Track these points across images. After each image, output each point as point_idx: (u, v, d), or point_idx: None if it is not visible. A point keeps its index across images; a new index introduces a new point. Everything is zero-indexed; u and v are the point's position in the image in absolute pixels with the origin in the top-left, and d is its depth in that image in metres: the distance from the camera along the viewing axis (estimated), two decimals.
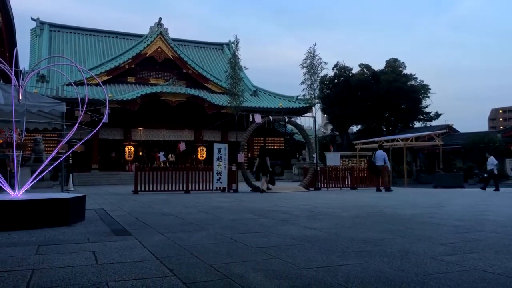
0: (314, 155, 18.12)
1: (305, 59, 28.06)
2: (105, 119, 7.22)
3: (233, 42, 30.92)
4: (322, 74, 30.44)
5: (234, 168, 16.34)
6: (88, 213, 6.95)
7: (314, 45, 26.90)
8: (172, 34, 34.48)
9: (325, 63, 27.62)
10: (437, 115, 37.29)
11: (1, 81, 15.07)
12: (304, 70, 27.47)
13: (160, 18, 32.42)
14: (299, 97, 33.02)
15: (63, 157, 8.00)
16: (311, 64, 27.75)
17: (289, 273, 3.21)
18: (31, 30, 34.67)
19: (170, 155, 31.57)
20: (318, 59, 27.57)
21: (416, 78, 36.59)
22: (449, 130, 35.76)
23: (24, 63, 32.05)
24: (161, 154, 19.86)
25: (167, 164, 24.03)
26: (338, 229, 5.69)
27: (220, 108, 29.40)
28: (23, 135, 7.82)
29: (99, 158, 29.35)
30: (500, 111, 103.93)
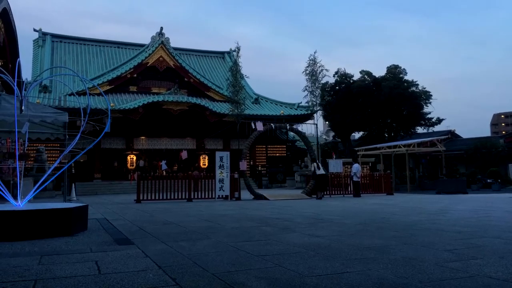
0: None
1: (307, 66, 28.23)
2: (107, 128, 7.24)
3: (234, 50, 31.11)
4: (323, 81, 30.56)
5: (236, 176, 16.33)
6: (90, 222, 6.94)
7: (315, 53, 26.96)
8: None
9: (326, 70, 27.77)
10: (439, 121, 37.25)
11: (4, 92, 15.15)
12: (306, 77, 27.64)
13: (161, 28, 32.60)
14: (300, 104, 33.08)
15: (66, 167, 8.03)
16: (313, 71, 27.90)
17: (292, 281, 3.20)
18: (33, 41, 34.93)
19: (174, 165, 31.45)
20: (319, 66, 27.71)
21: (417, 84, 36.61)
22: (451, 136, 35.70)
23: (26, 74, 32.30)
24: (163, 162, 19.83)
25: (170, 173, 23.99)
26: (341, 236, 5.67)
27: (222, 116, 29.45)
28: (26, 145, 7.85)
29: (101, 167, 29.38)
30: (502, 116, 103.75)
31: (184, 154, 18.98)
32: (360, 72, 37.97)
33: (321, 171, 16.25)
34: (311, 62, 27.73)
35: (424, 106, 36.32)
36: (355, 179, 17.43)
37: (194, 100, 28.99)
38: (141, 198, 14.61)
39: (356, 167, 17.90)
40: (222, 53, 41.76)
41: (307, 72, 28.04)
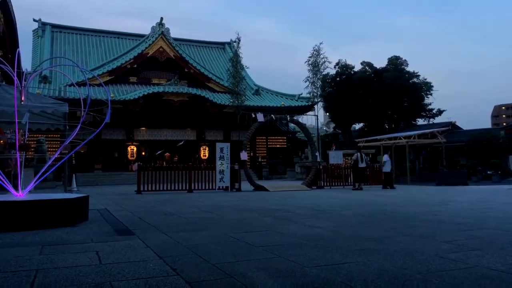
0: (317, 153, 18.10)
1: (310, 56, 28.13)
2: (107, 119, 7.22)
3: (235, 41, 30.94)
4: (324, 72, 30.46)
5: (236, 167, 16.35)
6: (91, 213, 6.96)
7: (320, 43, 26.89)
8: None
9: (329, 62, 27.68)
10: (440, 112, 37.18)
11: (4, 83, 15.11)
12: (308, 67, 27.57)
13: (162, 18, 32.39)
14: (301, 95, 32.99)
15: (66, 158, 8.02)
16: (315, 62, 27.83)
17: (292, 271, 3.21)
18: (33, 31, 34.73)
19: (174, 156, 31.46)
20: (322, 58, 27.63)
21: (418, 75, 36.47)
22: (452, 128, 35.55)
23: (26, 64, 32.17)
24: (159, 152, 20.39)
25: (169, 163, 24.04)
26: (341, 227, 5.69)
27: (222, 107, 29.40)
28: (26, 136, 7.85)
29: (102, 158, 29.42)
30: (503, 107, 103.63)
31: (180, 143, 19.30)
32: (361, 64, 37.82)
33: (363, 164, 16.65)
34: (314, 53, 27.61)
35: (425, 98, 36.21)
36: (385, 170, 17.27)
37: (194, 91, 28.91)
38: (141, 189, 14.64)
39: (385, 157, 17.77)
40: (223, 43, 41.53)
41: (310, 62, 27.92)
